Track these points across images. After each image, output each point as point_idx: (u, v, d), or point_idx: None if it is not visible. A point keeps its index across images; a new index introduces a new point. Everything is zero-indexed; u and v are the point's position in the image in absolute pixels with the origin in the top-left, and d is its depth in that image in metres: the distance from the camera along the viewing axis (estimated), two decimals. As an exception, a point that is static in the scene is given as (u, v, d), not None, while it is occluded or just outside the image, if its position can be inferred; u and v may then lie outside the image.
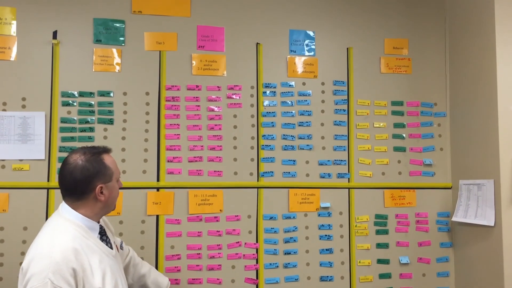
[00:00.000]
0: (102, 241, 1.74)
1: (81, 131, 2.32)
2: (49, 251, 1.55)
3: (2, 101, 2.25)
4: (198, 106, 2.45)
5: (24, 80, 2.28)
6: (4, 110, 2.25)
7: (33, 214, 2.23)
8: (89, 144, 2.29)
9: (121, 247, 1.98)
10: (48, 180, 2.26)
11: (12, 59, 2.28)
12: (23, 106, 2.27)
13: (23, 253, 2.20)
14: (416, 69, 2.68)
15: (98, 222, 1.76)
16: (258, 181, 2.48)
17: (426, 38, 2.70)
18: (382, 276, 2.53)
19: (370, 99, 2.62)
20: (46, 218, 2.23)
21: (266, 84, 2.53)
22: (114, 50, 2.38)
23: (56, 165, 2.26)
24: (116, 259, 1.78)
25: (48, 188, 2.26)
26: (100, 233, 1.75)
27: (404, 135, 2.63)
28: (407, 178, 2.61)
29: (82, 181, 1.67)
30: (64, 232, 1.63)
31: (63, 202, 1.72)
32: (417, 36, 2.69)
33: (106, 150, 1.78)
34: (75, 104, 2.33)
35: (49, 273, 1.50)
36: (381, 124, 2.61)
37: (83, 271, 1.58)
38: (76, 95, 2.33)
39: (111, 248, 1.78)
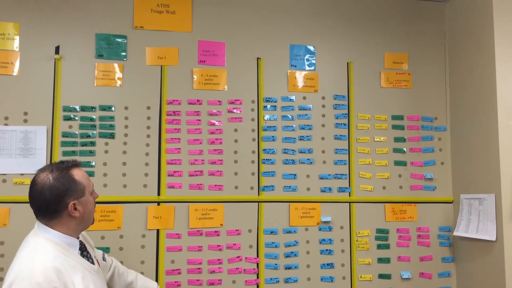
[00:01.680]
0: (83, 257, 1.71)
1: (82, 145, 2.33)
2: (30, 272, 1.51)
3: (4, 116, 2.26)
4: (199, 120, 2.46)
5: (26, 95, 2.30)
6: (6, 124, 2.26)
7: (34, 228, 2.23)
8: (90, 158, 2.31)
9: (104, 259, 1.95)
10: (49, 194, 2.26)
11: (15, 74, 2.30)
12: (25, 121, 2.28)
13: (23, 268, 2.19)
14: (416, 84, 2.69)
15: (78, 238, 1.73)
16: (258, 195, 2.48)
17: (426, 53, 2.71)
18: (384, 291, 2.53)
19: (370, 113, 2.62)
20: (47, 233, 2.23)
21: (266, 98, 2.54)
22: (116, 65, 2.40)
23: (57, 179, 2.27)
24: (98, 274, 1.76)
25: (48, 202, 2.25)
26: (80, 249, 1.72)
27: (404, 149, 2.63)
28: (408, 192, 2.61)
29: (53, 201, 1.62)
30: (44, 252, 1.59)
31: (38, 222, 1.69)
32: (417, 51, 2.71)
33: (75, 164, 1.72)
34: (76, 118, 2.34)
35: None
36: (382, 138, 2.62)
37: None
38: (78, 109, 2.34)
39: (93, 263, 1.75)
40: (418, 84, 2.69)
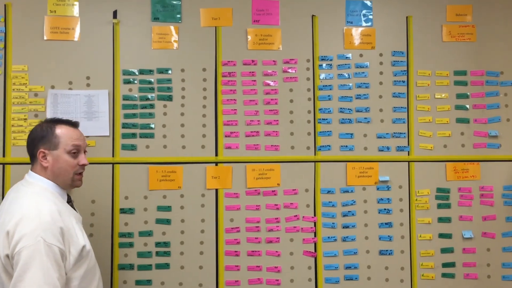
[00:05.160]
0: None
1: (142, 108, 2.39)
2: (37, 213, 1.64)
3: (68, 80, 2.35)
4: (254, 81, 2.45)
5: (88, 60, 2.37)
6: (70, 88, 2.35)
7: (100, 187, 2.34)
8: (150, 121, 2.38)
9: None
10: (113, 156, 2.35)
11: (76, 39, 2.37)
12: (88, 85, 2.36)
13: (92, 225, 2.32)
14: (480, 37, 2.55)
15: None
16: (315, 155, 2.47)
17: (491, 4, 2.55)
18: (444, 250, 2.48)
19: (431, 69, 2.52)
20: (113, 192, 2.34)
21: (322, 57, 2.49)
22: (172, 28, 2.42)
23: (120, 141, 2.36)
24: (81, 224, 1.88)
25: (113, 163, 2.35)
26: (68, 200, 1.88)
27: (467, 106, 2.52)
28: (471, 150, 2.52)
29: (29, 144, 1.82)
30: (45, 197, 1.73)
31: (30, 170, 1.83)
32: (482, 1, 2.55)
33: (68, 122, 1.87)
34: (135, 82, 2.39)
35: (40, 232, 1.60)
36: (443, 95, 2.52)
37: (68, 230, 1.68)
38: (137, 73, 2.39)
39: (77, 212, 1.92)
40: (483, 37, 2.55)
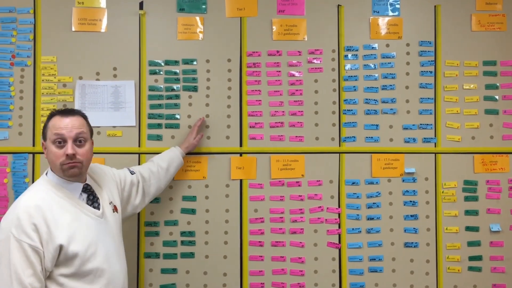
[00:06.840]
0: (88, 201, 1.78)
1: (167, 99, 2.41)
2: (14, 208, 1.66)
3: (95, 71, 2.39)
4: (279, 71, 2.45)
5: (115, 51, 2.40)
6: (97, 79, 2.39)
7: (127, 177, 2.37)
8: (175, 111, 2.40)
9: (132, 172, 2.09)
10: (139, 146, 2.38)
11: (103, 30, 2.40)
12: (115, 76, 2.39)
13: (119, 214, 2.35)
14: (511, 26, 2.48)
15: (83, 182, 1.79)
16: (340, 146, 2.45)
17: (523, -8, 2.49)
18: (471, 243, 2.44)
19: (459, 59, 2.47)
20: (139, 181, 2.37)
21: (347, 47, 2.46)
22: (197, 18, 2.43)
23: (146, 131, 2.38)
24: (105, 219, 1.81)
25: (139, 153, 2.38)
26: (86, 192, 1.79)
27: (497, 97, 2.47)
28: (500, 142, 2.46)
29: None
30: (35, 190, 1.72)
31: None
32: (513, -10, 2.49)
33: (58, 111, 1.76)
34: (161, 72, 2.41)
35: (12, 228, 1.61)
36: (472, 86, 2.47)
37: (46, 226, 1.63)
38: (162, 64, 2.41)
39: (98, 208, 1.80)
40: (514, 26, 2.49)
